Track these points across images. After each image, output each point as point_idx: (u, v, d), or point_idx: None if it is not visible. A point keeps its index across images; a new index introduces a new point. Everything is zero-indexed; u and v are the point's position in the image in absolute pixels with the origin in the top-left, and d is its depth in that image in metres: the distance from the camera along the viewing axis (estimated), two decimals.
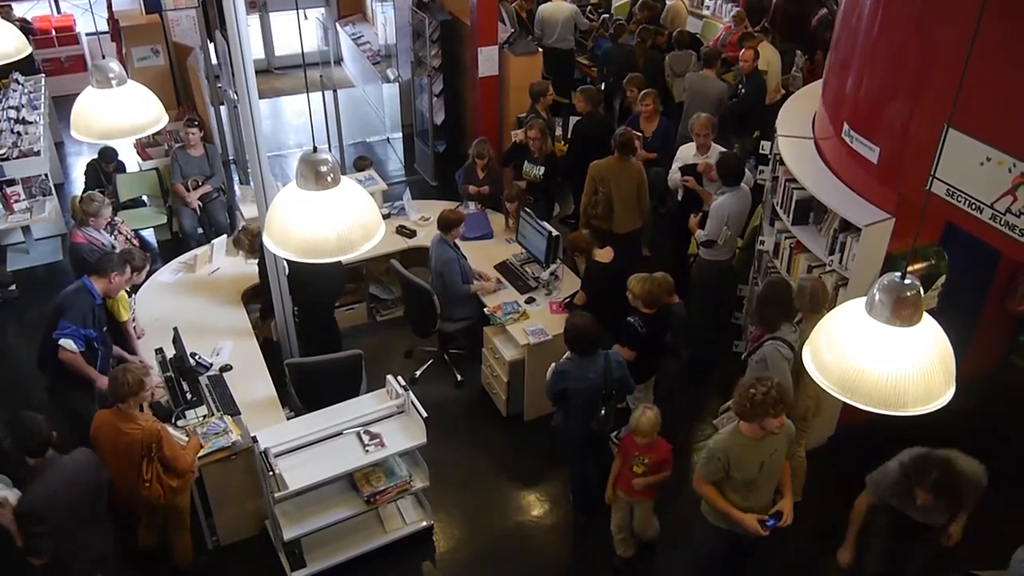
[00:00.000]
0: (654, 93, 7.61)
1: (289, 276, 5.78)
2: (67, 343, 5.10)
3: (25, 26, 10.52)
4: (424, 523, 5.51)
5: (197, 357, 5.62)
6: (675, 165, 7.21)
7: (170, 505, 4.78)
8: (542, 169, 7.59)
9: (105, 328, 5.43)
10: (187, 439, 4.90)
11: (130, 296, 5.80)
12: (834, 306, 4.27)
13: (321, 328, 6.45)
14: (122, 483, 4.64)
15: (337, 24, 12.14)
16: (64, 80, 11.13)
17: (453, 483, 5.86)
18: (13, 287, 7.87)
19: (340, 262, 6.07)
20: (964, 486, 4.27)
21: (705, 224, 6.44)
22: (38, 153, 8.10)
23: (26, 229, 8.30)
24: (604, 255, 6.23)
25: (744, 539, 4.50)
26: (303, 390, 5.60)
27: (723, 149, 6.99)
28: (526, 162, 7.62)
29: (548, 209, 7.96)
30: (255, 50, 8.95)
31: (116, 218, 7.07)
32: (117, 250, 6.29)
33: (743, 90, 8.39)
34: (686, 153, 7.15)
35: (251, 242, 6.29)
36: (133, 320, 5.87)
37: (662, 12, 11.02)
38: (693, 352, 6.76)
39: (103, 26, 10.65)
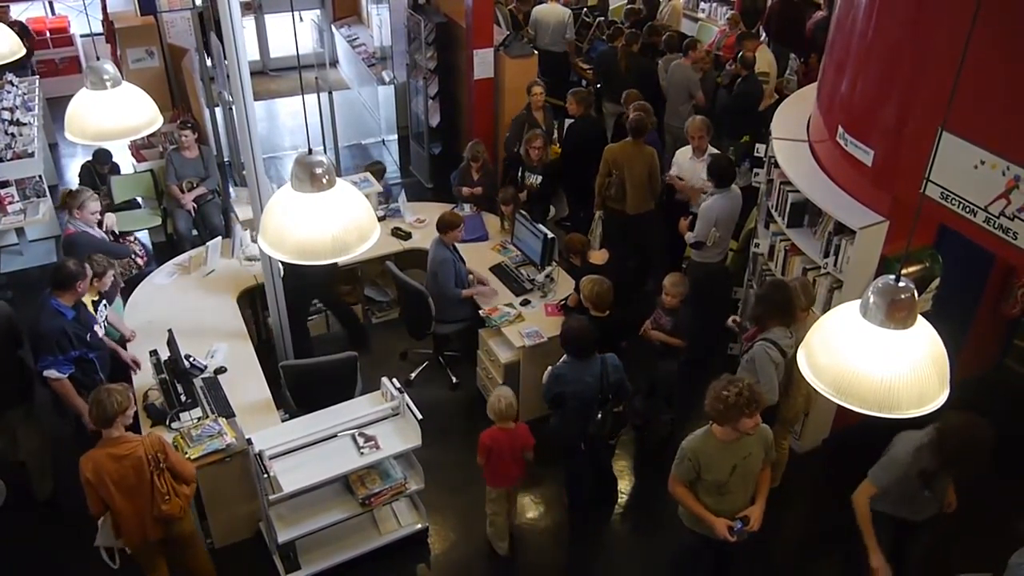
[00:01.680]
0: (643, 105, 7.54)
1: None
2: (50, 373, 5.09)
3: (23, 30, 10.46)
4: (419, 525, 5.51)
5: (192, 359, 5.61)
6: (672, 170, 7.22)
7: (182, 527, 4.60)
8: (539, 178, 7.65)
9: (90, 335, 5.32)
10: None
11: (96, 306, 5.68)
12: (828, 308, 4.30)
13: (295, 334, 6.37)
14: (135, 518, 4.40)
15: (332, 26, 12.14)
16: (58, 82, 11.10)
17: (448, 485, 5.85)
18: (9, 293, 7.86)
19: (331, 269, 6.13)
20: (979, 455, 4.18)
21: (695, 226, 6.47)
22: (32, 155, 8.06)
23: (20, 231, 8.27)
24: (598, 257, 6.24)
25: (715, 543, 4.47)
26: (298, 392, 5.59)
27: (717, 152, 7.02)
28: (526, 172, 7.66)
29: (543, 213, 7.97)
30: (250, 52, 8.93)
31: (131, 235, 7.17)
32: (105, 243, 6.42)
33: (738, 91, 8.42)
34: (682, 157, 7.17)
35: None
36: (105, 322, 5.80)
37: (653, 15, 11.01)
38: (688, 354, 6.75)
39: (98, 28, 10.63)
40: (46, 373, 5.09)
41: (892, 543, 4.63)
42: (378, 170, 7.90)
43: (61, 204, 6.40)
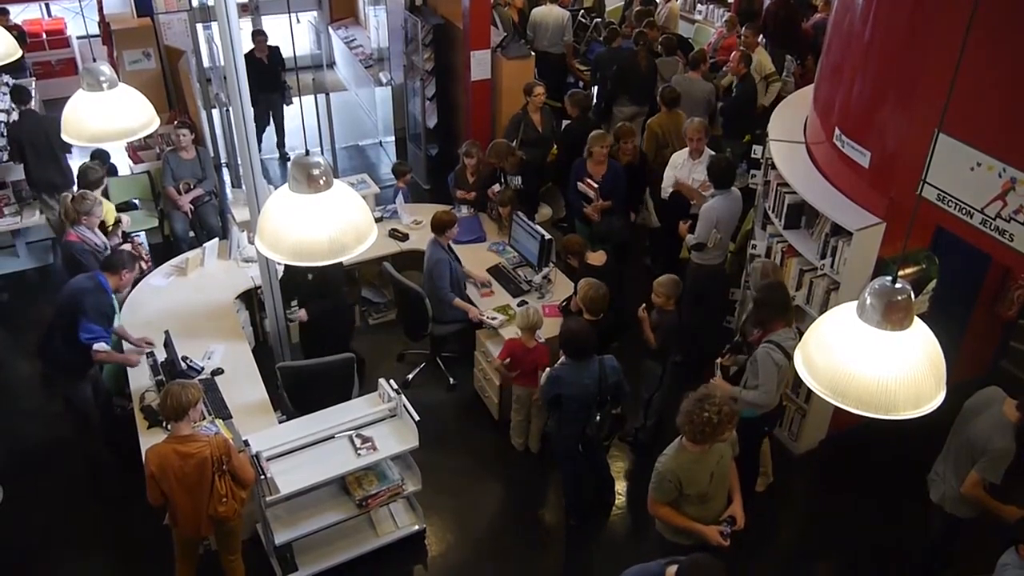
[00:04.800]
0: (608, 139, 7.32)
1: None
2: (100, 346, 5.35)
3: (20, 34, 10.45)
4: (416, 527, 5.50)
5: (188, 361, 5.60)
6: (668, 172, 7.21)
7: (233, 526, 4.65)
8: (519, 178, 7.71)
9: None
10: None
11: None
12: (825, 310, 4.30)
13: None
14: (192, 514, 4.45)
15: (329, 28, 12.14)
16: (55, 83, 11.07)
17: (445, 487, 5.85)
18: (5, 295, 7.86)
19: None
20: None
21: (695, 228, 6.47)
22: None
23: (16, 233, 8.26)
24: (597, 259, 6.23)
25: (701, 551, 4.47)
26: (295, 393, 5.58)
27: (715, 153, 7.01)
28: (507, 177, 7.70)
29: (530, 214, 7.96)
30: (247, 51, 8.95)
31: (134, 236, 7.23)
32: (110, 250, 6.33)
33: (736, 92, 8.42)
34: (678, 159, 7.16)
35: None
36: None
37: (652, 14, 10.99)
38: (684, 356, 6.76)
39: (94, 29, 10.60)
40: (96, 347, 5.34)
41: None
42: (403, 171, 7.96)
43: (64, 211, 6.31)
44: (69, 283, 5.55)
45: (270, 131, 10.16)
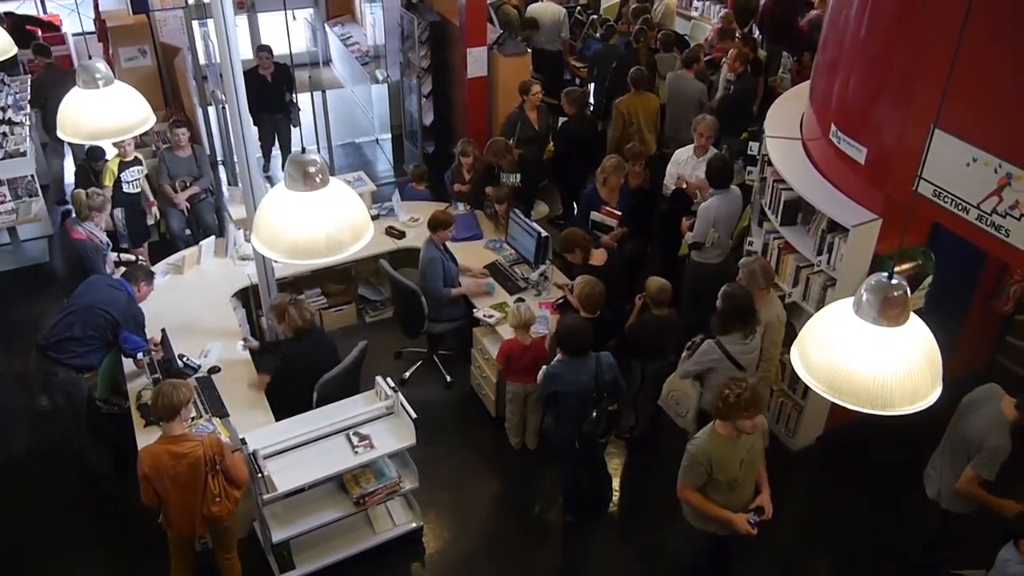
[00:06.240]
0: (625, 168, 7.00)
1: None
2: (141, 355, 5.54)
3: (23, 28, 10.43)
4: (414, 524, 5.50)
5: (185, 359, 5.59)
6: (670, 168, 7.21)
7: (228, 526, 4.65)
8: (517, 176, 7.70)
9: None
10: None
11: None
12: (822, 306, 4.32)
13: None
14: (186, 513, 4.45)
15: (326, 25, 12.11)
16: None
17: (442, 484, 5.85)
18: None
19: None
20: None
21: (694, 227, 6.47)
22: (24, 154, 8.04)
23: (12, 231, 8.25)
24: (598, 257, 6.22)
25: (729, 540, 4.50)
26: (326, 400, 5.37)
27: (716, 151, 7.02)
28: (503, 175, 7.69)
29: (526, 212, 7.95)
30: (243, 50, 8.80)
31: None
32: (109, 247, 6.46)
33: (735, 89, 8.42)
34: (682, 156, 7.16)
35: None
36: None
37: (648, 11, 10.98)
38: (678, 355, 6.75)
39: (90, 26, 10.58)
40: (140, 355, 5.54)
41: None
42: (421, 174, 8.00)
43: (77, 207, 6.30)
44: (95, 287, 5.53)
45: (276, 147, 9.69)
